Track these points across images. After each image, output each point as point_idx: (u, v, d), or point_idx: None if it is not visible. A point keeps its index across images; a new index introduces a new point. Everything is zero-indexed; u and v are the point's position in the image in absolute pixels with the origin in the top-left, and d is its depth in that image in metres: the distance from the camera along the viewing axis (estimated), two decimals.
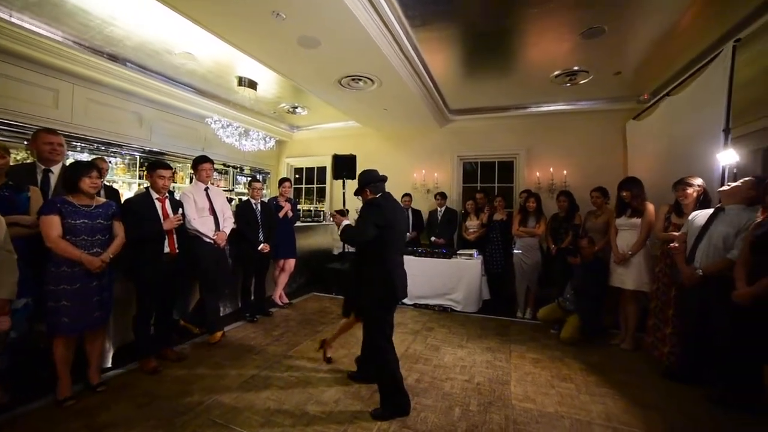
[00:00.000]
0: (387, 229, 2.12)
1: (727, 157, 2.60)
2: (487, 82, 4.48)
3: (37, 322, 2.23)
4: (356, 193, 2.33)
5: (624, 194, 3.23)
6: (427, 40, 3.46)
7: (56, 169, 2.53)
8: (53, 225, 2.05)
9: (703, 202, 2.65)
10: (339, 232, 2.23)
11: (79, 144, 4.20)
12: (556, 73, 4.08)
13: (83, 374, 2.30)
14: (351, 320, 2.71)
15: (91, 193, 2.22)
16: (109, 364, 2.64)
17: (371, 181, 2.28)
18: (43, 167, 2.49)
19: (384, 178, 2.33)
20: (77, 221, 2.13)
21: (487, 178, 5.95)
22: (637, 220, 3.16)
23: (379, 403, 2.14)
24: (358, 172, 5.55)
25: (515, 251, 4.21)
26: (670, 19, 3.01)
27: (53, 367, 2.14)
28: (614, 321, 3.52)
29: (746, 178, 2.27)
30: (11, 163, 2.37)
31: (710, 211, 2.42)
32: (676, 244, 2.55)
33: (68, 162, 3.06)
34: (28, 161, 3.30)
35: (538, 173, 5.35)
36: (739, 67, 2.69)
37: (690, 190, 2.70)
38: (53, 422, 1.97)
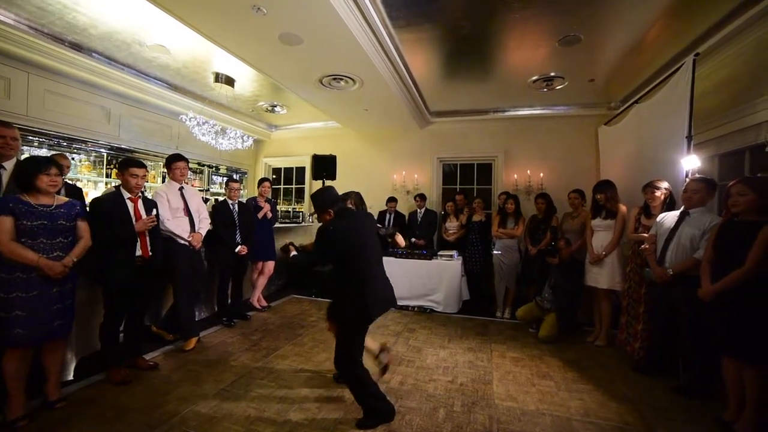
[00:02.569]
0: (349, 249, 1.99)
1: (690, 162, 2.77)
2: (467, 84, 4.55)
3: None
4: (317, 213, 2.16)
5: (599, 197, 3.36)
6: (409, 41, 3.47)
7: (9, 165, 2.30)
8: (3, 227, 1.86)
9: (669, 204, 2.82)
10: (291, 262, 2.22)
11: (36, 138, 3.89)
12: (534, 78, 4.21)
13: (40, 389, 2.10)
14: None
15: (49, 192, 2.04)
16: (71, 377, 2.45)
17: (333, 202, 2.11)
18: None
19: (345, 196, 2.21)
20: (34, 223, 1.95)
21: (466, 180, 6.04)
22: (611, 222, 3.29)
23: (362, 412, 2.09)
24: (338, 173, 5.60)
25: (494, 252, 4.29)
26: (640, 32, 3.19)
27: (2, 384, 1.93)
28: (589, 319, 3.66)
29: (692, 182, 2.47)
30: None
31: (676, 213, 2.57)
32: (647, 246, 2.68)
33: (23, 158, 2.81)
34: None
35: (515, 175, 5.49)
36: (698, 79, 2.89)
37: (657, 193, 2.85)
38: None
